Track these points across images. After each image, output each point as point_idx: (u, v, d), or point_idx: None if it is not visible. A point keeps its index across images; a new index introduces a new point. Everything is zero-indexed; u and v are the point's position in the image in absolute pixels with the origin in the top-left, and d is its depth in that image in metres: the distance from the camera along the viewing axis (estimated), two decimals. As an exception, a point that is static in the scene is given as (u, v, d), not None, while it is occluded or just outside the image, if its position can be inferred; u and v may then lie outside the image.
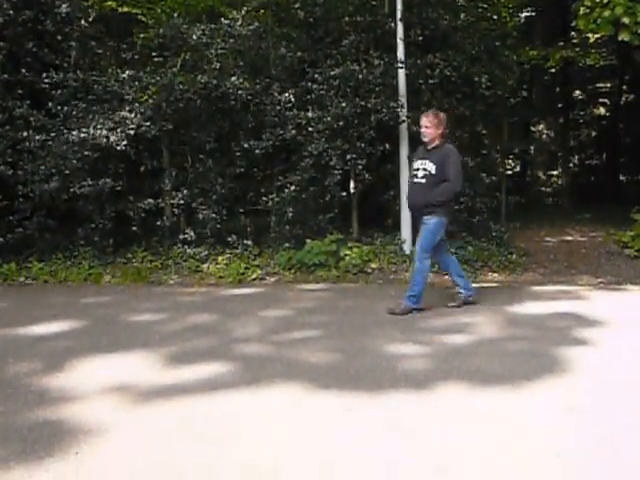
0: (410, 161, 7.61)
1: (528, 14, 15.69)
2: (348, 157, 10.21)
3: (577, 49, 15.99)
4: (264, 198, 10.48)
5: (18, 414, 4.20)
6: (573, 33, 17.18)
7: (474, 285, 7.90)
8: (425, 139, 7.17)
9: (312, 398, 4.47)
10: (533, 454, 3.56)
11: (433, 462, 3.48)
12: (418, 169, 7.12)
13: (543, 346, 5.63)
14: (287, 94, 10.25)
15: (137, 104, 10.06)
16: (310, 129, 10.11)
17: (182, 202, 10.41)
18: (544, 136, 24.50)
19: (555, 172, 23.69)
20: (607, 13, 9.40)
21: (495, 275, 9.41)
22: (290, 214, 10.24)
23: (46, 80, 10.00)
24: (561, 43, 16.09)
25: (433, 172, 6.98)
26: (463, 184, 7.41)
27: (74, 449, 3.67)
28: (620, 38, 9.77)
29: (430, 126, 7.08)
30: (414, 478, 3.33)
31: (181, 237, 10.32)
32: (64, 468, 3.46)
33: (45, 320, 6.75)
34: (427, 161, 7.06)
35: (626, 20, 9.32)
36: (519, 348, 5.59)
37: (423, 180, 7.05)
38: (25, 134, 9.81)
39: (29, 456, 3.59)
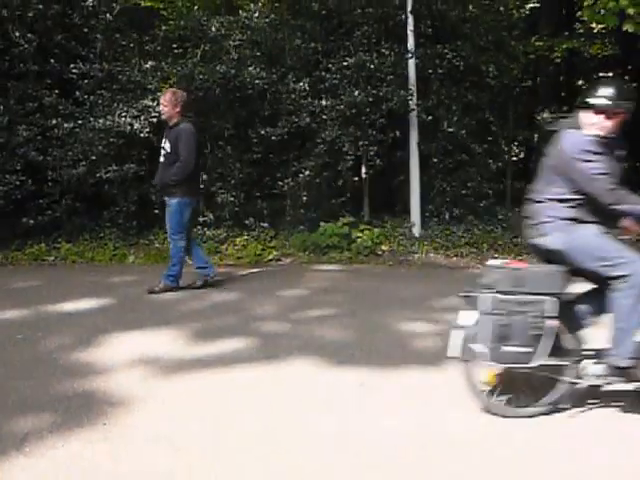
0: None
1: (533, 5, 15.53)
2: (360, 143, 10.19)
3: (582, 39, 15.79)
4: (280, 183, 10.48)
5: (49, 386, 4.24)
6: (578, 24, 16.98)
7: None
8: (163, 117, 6.99)
9: (326, 372, 4.49)
10: (543, 429, 3.57)
11: (445, 435, 3.50)
12: (162, 148, 6.91)
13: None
14: (302, 83, 10.21)
15: (159, 93, 10.04)
16: (324, 117, 10.08)
17: (202, 186, 10.40)
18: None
19: (559, 158, 23.50)
20: (612, 4, 9.25)
21: (501, 257, 9.36)
22: (304, 198, 10.25)
23: (73, 70, 9.99)
24: (566, 33, 15.90)
25: (169, 151, 6.77)
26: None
27: (102, 419, 3.70)
28: (625, 29, 9.64)
29: (167, 104, 6.81)
30: (425, 448, 3.35)
31: (201, 220, 10.32)
32: (93, 437, 3.49)
33: (73, 298, 6.78)
34: (166, 140, 6.84)
35: (631, 11, 9.17)
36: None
37: (162, 159, 6.87)
38: (54, 122, 9.82)
39: (60, 426, 3.62)
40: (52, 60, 10.03)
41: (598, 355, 3.68)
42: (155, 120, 9.65)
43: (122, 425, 3.65)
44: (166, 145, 6.79)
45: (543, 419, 3.65)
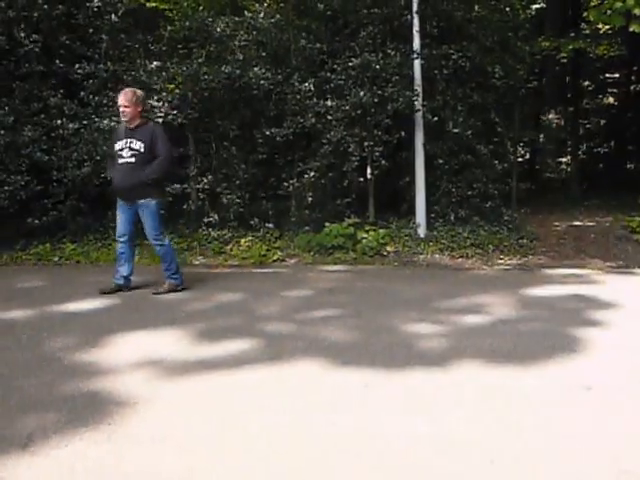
0: (114, 141, 7.03)
1: (539, 6, 15.54)
2: (365, 144, 10.21)
3: (588, 40, 15.79)
4: (285, 183, 10.50)
5: (54, 386, 4.24)
6: (584, 24, 16.99)
7: (500, 268, 7.85)
8: (125, 118, 6.78)
9: (331, 373, 4.48)
10: (542, 430, 3.56)
11: (448, 436, 3.48)
12: (123, 149, 6.74)
13: (555, 327, 5.59)
14: (307, 84, 10.21)
15: (164, 94, 10.09)
16: (329, 117, 10.09)
17: (207, 187, 10.44)
18: (554, 124, 24.24)
19: (564, 159, 23.47)
20: (618, 5, 9.26)
21: (506, 258, 9.36)
22: (309, 198, 10.26)
23: (78, 71, 10.02)
24: (572, 34, 15.90)
25: (142, 150, 6.69)
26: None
27: (107, 419, 3.70)
28: (631, 29, 9.63)
29: (129, 105, 6.70)
30: (430, 450, 3.34)
31: (206, 220, 10.35)
32: (97, 437, 3.49)
33: (78, 298, 6.79)
34: (134, 140, 6.72)
35: (637, 11, 9.17)
36: (532, 328, 5.56)
37: (132, 159, 6.72)
38: (59, 122, 9.86)
39: (65, 426, 3.63)
40: (57, 60, 10.05)
41: None
42: (161, 120, 9.66)
43: (127, 425, 3.64)
44: (135, 145, 6.70)
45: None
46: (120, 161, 6.78)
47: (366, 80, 10.15)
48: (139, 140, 6.71)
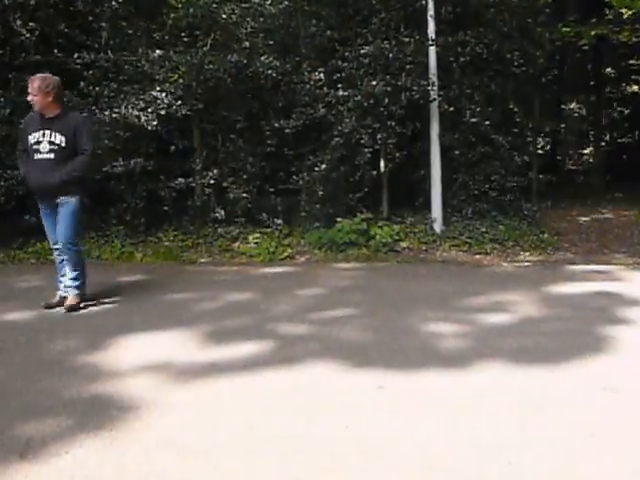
0: (26, 134, 6.31)
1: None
2: (378, 136, 10.16)
3: (610, 25, 15.66)
4: (294, 177, 10.46)
5: (53, 390, 4.22)
6: (606, 9, 16.84)
7: (520, 265, 7.80)
8: (36, 108, 6.16)
9: (344, 375, 4.44)
10: (567, 433, 3.51)
11: (465, 440, 3.44)
12: (40, 142, 6.11)
13: (579, 326, 5.54)
14: (317, 73, 10.18)
15: (168, 84, 10.03)
16: (340, 108, 10.04)
17: (213, 181, 10.40)
18: (575, 114, 24.15)
19: (586, 150, 23.37)
20: (642, -12, 9.18)
21: (527, 254, 9.31)
22: (320, 193, 10.20)
23: (78, 61, 9.98)
24: (594, 19, 15.78)
25: (63, 145, 6.12)
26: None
27: (108, 425, 3.67)
28: (655, 13, 9.54)
29: (37, 93, 6.08)
30: (446, 452, 3.30)
31: (212, 216, 10.33)
32: (99, 443, 3.46)
33: (79, 298, 6.77)
34: (52, 132, 6.13)
35: (662, -5, 9.10)
36: (554, 328, 5.50)
37: (51, 155, 6.09)
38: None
39: (64, 432, 3.60)
40: (55, 50, 10.04)
41: None
42: (164, 112, 9.64)
43: (130, 431, 3.61)
44: (54, 138, 6.13)
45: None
46: (36, 157, 6.16)
47: (379, 69, 10.10)
48: (59, 133, 6.12)
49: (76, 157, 6.16)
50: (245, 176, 10.31)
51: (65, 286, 6.46)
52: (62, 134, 6.11)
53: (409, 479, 3.07)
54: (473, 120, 10.45)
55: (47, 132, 6.14)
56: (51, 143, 6.12)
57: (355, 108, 9.96)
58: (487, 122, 10.48)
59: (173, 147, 10.57)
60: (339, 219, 9.76)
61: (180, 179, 10.11)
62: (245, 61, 10.01)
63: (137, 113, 9.66)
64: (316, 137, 10.67)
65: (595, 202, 14.96)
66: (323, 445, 3.42)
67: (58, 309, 6.33)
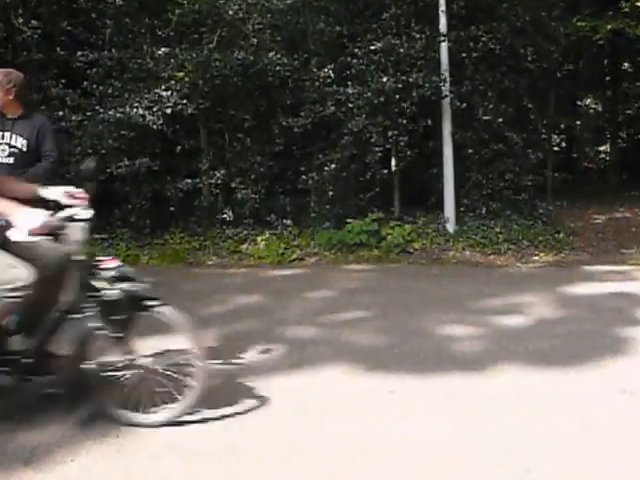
0: None
1: (574, -17, 15.38)
2: (389, 134, 10.13)
3: (627, 19, 15.60)
4: (304, 177, 10.45)
5: (58, 396, 4.21)
6: (622, 2, 16.78)
7: (535, 265, 7.75)
8: None
9: (355, 379, 4.43)
10: (583, 435, 3.48)
11: (477, 443, 3.42)
12: (7, 145, 5.55)
13: (595, 327, 5.51)
14: (326, 69, 10.17)
15: (173, 82, 10.04)
16: (350, 105, 10.02)
17: (220, 182, 10.41)
18: (591, 110, 24.06)
19: (603, 148, 23.28)
20: (660, -20, 9.14)
21: (542, 255, 9.27)
22: (330, 193, 10.20)
23: (81, 59, 10.02)
24: (610, 13, 15.72)
25: (25, 149, 5.59)
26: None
27: (114, 432, 3.66)
28: (674, 6, 9.50)
29: None
30: (459, 456, 3.28)
31: (219, 217, 10.34)
32: (105, 450, 3.45)
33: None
34: (12, 134, 5.60)
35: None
36: (570, 329, 5.48)
37: (10, 160, 5.57)
38: (61, 114, 9.85)
39: (70, 439, 3.58)
40: (58, 48, 10.08)
41: None
42: (169, 111, 9.64)
43: (136, 437, 3.60)
44: (15, 142, 5.60)
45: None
46: None
47: (389, 65, 10.08)
48: (20, 136, 5.63)
49: (38, 163, 5.65)
50: (253, 176, 10.31)
51: None
52: (24, 137, 5.60)
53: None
54: (486, 117, 10.42)
55: (7, 134, 5.63)
56: (11, 146, 5.61)
57: (365, 105, 9.94)
58: (500, 119, 10.45)
59: (179, 147, 10.59)
60: (349, 219, 9.75)
61: (187, 179, 10.13)
62: (252, 58, 10.01)
63: (142, 112, 9.67)
64: (325, 136, 10.67)
65: (611, 201, 14.86)
66: (328, 448, 3.42)
67: None
